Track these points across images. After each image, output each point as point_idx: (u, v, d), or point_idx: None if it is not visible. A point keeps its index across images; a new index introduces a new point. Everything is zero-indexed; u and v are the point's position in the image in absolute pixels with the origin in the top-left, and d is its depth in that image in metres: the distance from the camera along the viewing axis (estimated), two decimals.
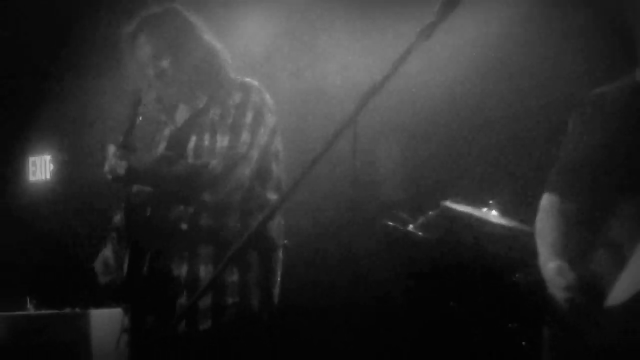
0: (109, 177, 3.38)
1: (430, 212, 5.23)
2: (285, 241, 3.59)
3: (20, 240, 6.89)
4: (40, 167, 7.20)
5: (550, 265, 3.16)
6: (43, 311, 5.62)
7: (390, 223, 5.31)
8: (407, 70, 2.51)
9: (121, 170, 3.32)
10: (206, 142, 3.45)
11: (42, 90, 6.83)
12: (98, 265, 3.56)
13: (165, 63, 3.52)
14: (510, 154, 5.46)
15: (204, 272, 3.37)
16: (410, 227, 5.27)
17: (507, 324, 5.01)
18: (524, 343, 4.87)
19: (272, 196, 3.47)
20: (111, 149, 3.38)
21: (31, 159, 7.22)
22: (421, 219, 5.28)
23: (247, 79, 3.59)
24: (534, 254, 3.33)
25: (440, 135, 5.86)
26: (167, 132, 3.64)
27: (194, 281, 3.37)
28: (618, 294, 2.98)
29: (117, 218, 3.60)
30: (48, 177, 7.19)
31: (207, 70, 3.57)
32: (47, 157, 7.17)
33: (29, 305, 5.70)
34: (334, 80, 5.73)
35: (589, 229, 3.17)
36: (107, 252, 3.56)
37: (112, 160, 3.35)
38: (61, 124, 7.02)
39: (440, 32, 2.54)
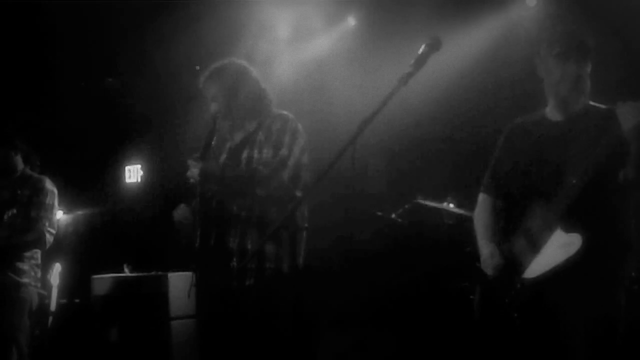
0: (191, 180, 3.41)
1: (406, 206, 5.27)
2: (306, 225, 3.57)
3: (119, 224, 6.93)
4: (134, 173, 7.24)
5: (485, 250, 3.17)
6: (136, 274, 5.65)
7: (379, 213, 5.36)
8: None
9: (197, 175, 3.37)
10: (255, 155, 3.47)
11: (134, 122, 6.89)
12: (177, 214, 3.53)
13: (219, 103, 3.50)
14: (462, 164, 5.46)
15: (250, 245, 3.36)
16: (393, 215, 5.32)
17: (461, 283, 5.04)
18: (471, 297, 4.89)
19: (299, 193, 3.44)
20: (190, 162, 3.42)
21: (127, 167, 7.26)
22: (400, 210, 5.32)
23: (284, 112, 3.58)
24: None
25: (412, 151, 5.89)
26: (228, 145, 3.62)
27: (242, 251, 3.36)
28: (533, 270, 3.00)
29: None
30: (139, 180, 7.23)
31: (257, 105, 3.56)
32: (138, 166, 7.22)
33: (125, 270, 5.72)
34: (340, 112, 5.74)
35: (510, 221, 3.18)
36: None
37: (192, 169, 3.40)
38: (148, 144, 7.08)
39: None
